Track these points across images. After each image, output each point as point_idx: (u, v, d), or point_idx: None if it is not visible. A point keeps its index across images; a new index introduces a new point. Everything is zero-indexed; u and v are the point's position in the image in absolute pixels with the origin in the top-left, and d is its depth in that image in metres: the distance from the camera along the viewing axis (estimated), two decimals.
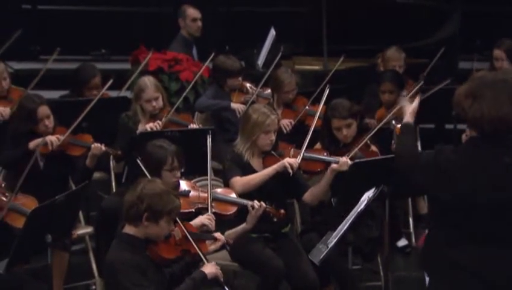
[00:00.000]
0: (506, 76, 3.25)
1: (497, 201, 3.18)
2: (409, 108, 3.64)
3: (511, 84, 3.21)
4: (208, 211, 4.35)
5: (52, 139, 4.97)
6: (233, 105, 6.05)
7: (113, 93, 6.23)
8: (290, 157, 4.74)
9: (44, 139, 4.94)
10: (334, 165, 4.69)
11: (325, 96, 5.11)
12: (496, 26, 7.72)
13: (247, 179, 4.59)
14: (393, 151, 5.35)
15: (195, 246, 3.95)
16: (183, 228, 4.00)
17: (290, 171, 4.56)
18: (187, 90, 6.15)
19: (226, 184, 4.66)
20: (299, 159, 4.62)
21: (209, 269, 3.92)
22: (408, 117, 3.61)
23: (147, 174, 4.20)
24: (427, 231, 3.50)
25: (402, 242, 5.86)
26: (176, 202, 3.86)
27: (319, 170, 4.81)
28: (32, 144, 4.96)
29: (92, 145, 5.05)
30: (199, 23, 7.12)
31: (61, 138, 5.00)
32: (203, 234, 4.17)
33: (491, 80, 3.23)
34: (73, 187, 5.06)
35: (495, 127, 3.17)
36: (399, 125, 5.66)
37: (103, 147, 5.06)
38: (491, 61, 6.45)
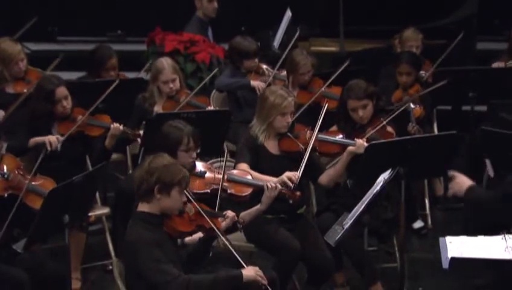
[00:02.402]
0: None
1: None
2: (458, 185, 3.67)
3: None
4: (223, 192, 4.37)
5: (52, 139, 4.95)
6: (253, 83, 6.02)
7: (131, 75, 6.25)
8: (306, 138, 4.74)
9: (43, 139, 4.93)
10: (351, 148, 4.69)
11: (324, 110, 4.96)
12: None
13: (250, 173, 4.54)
14: (410, 133, 5.37)
15: (208, 220, 3.98)
16: (195, 204, 4.03)
17: (291, 185, 4.42)
18: (212, 73, 6.11)
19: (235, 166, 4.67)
20: (299, 173, 4.50)
21: (248, 271, 3.87)
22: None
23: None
24: None
25: (418, 224, 5.85)
26: (184, 172, 3.90)
27: (335, 152, 4.80)
28: (32, 142, 4.97)
29: (112, 126, 5.08)
30: (215, 4, 7.10)
31: (61, 138, 4.98)
32: (214, 211, 4.20)
33: None
34: (91, 168, 5.09)
35: None
36: (417, 107, 5.70)
37: (121, 128, 5.09)
38: (509, 42, 6.40)
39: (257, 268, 3.91)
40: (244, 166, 4.60)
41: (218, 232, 3.96)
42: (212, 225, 3.97)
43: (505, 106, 5.39)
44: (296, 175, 4.47)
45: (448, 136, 4.52)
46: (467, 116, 6.16)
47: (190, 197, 4.03)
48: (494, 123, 5.26)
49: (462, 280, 4.91)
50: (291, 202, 4.47)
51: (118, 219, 5.28)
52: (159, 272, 3.73)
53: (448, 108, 6.88)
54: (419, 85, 5.97)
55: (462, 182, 3.78)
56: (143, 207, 3.91)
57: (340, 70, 5.79)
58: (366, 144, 4.64)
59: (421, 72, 6.16)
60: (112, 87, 5.23)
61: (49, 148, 4.92)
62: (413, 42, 6.37)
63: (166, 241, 3.87)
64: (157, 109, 5.51)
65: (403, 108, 5.11)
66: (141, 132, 5.16)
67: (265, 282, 3.89)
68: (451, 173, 3.97)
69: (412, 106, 5.51)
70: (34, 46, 7.37)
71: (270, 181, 4.42)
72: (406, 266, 4.55)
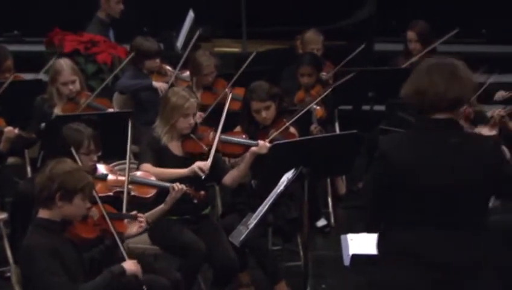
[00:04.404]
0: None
1: (446, 183, 3.14)
2: None
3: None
4: (125, 195, 4.32)
5: None
6: (155, 84, 5.99)
7: (28, 76, 6.08)
8: (209, 139, 4.73)
9: None
10: (253, 148, 4.71)
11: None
12: (412, 8, 7.88)
13: (156, 172, 4.54)
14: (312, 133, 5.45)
15: (110, 224, 3.90)
16: (101, 207, 3.95)
17: (202, 174, 4.52)
18: (113, 73, 6.03)
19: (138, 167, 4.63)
20: (209, 162, 4.55)
21: (129, 265, 3.85)
22: None
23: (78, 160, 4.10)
24: None
25: (321, 222, 5.94)
26: (87, 179, 3.81)
27: (238, 153, 4.82)
28: None
29: (5, 129, 4.96)
30: (122, 6, 7.01)
31: None
32: (121, 213, 4.13)
33: None
34: None
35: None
36: (319, 107, 5.79)
37: (16, 131, 4.96)
38: (405, 43, 6.58)
39: (135, 261, 3.89)
40: (147, 166, 4.56)
41: (117, 238, 3.88)
42: (112, 230, 3.89)
43: (402, 105, 5.54)
44: (206, 165, 4.50)
45: (349, 136, 4.60)
46: (367, 115, 6.30)
47: (98, 201, 3.94)
48: (392, 122, 5.40)
49: (365, 277, 5.01)
50: (195, 201, 4.47)
51: (17, 224, 5.13)
52: (54, 285, 3.62)
53: (350, 108, 7.03)
54: (321, 86, 6.07)
55: None
56: (43, 213, 3.78)
57: (240, 70, 5.81)
58: (268, 145, 4.68)
59: (322, 73, 6.26)
60: (4, 86, 5.09)
61: None
62: (314, 44, 6.47)
63: (67, 249, 3.75)
64: (57, 111, 5.40)
65: (306, 109, 5.17)
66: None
67: (140, 277, 3.87)
68: None
69: (314, 106, 5.59)
70: None
71: (179, 173, 4.46)
72: (309, 264, 4.60)
